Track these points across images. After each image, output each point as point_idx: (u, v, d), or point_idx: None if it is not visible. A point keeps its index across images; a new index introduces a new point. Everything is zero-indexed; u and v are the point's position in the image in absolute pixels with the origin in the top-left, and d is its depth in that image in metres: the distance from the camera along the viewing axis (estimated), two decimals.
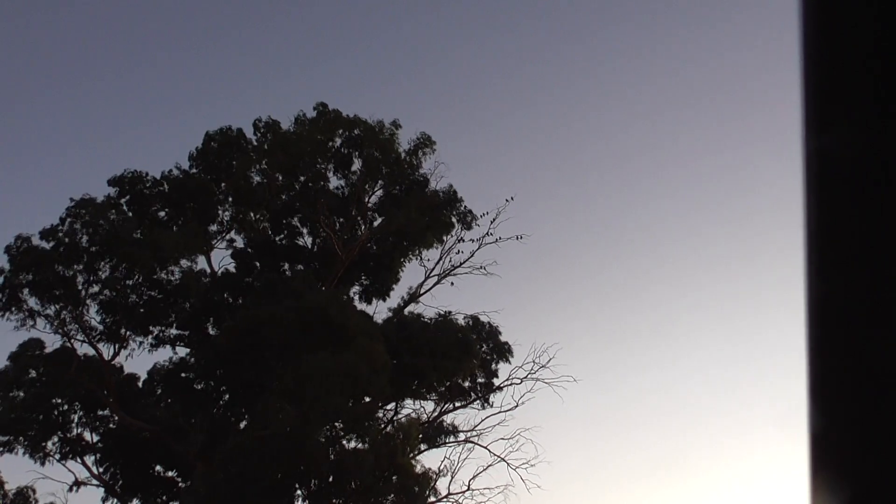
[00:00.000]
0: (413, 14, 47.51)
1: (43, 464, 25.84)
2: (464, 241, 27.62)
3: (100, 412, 26.52)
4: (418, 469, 24.23)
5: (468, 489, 25.18)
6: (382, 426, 25.67)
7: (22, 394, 25.69)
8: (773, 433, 39.98)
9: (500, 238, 27.13)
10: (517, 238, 27.04)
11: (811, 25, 1.10)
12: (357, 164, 28.02)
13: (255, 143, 28.57)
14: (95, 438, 26.50)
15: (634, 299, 46.18)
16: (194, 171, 28.18)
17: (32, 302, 24.78)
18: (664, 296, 47.27)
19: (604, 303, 46.56)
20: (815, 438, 1.08)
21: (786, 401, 37.20)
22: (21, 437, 25.52)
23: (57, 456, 26.07)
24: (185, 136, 58.50)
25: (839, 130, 1.06)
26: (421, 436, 25.37)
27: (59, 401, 25.99)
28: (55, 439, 26.09)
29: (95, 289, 25.44)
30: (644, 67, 49.49)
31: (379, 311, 27.96)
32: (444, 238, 27.54)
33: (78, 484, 26.06)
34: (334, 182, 28.38)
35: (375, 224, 28.13)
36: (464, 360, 25.30)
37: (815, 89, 1.10)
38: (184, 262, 26.28)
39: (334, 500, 23.76)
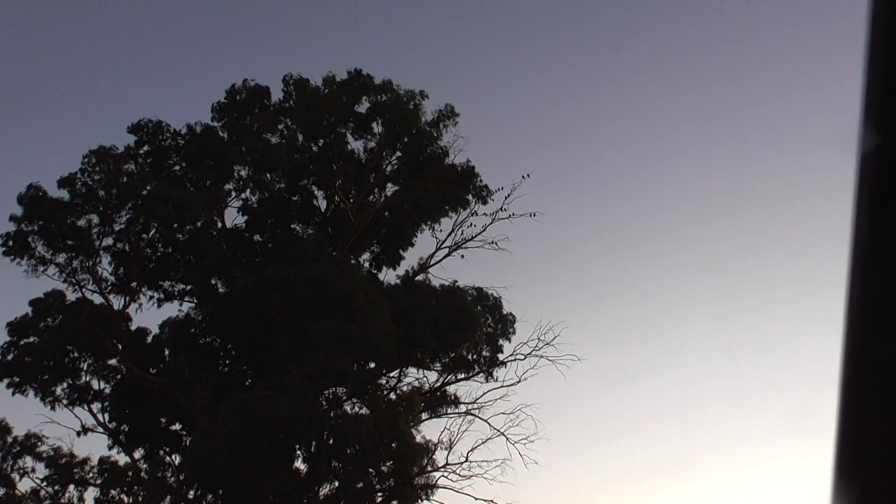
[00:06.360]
0: None
1: (53, 408, 26.40)
2: (477, 214, 27.58)
3: (108, 362, 26.92)
4: (418, 438, 24.43)
5: (466, 461, 25.25)
6: (385, 393, 25.86)
7: (36, 339, 26.11)
8: (779, 429, 39.97)
9: (513, 214, 27.07)
10: (531, 215, 26.95)
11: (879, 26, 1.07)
12: (378, 130, 27.93)
13: (279, 100, 28.46)
14: (103, 387, 26.97)
15: (643, 285, 46.13)
16: (215, 123, 28.19)
17: (42, 249, 24.98)
18: (672, 284, 47.17)
19: (613, 286, 46.47)
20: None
21: (795, 397, 37.19)
22: (33, 381, 26.00)
23: (66, 401, 26.59)
24: (210, 87, 58.51)
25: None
26: (423, 404, 25.55)
27: (71, 348, 26.39)
28: (65, 385, 26.57)
29: (109, 241, 25.65)
30: (672, 55, 48.89)
31: (388, 278, 28.08)
32: (459, 211, 27.53)
33: (85, 430, 26.59)
34: (353, 146, 28.35)
35: (391, 192, 28.12)
36: (467, 331, 25.33)
37: (880, 89, 1.07)
38: (199, 221, 26.40)
39: (333, 463, 24.04)
